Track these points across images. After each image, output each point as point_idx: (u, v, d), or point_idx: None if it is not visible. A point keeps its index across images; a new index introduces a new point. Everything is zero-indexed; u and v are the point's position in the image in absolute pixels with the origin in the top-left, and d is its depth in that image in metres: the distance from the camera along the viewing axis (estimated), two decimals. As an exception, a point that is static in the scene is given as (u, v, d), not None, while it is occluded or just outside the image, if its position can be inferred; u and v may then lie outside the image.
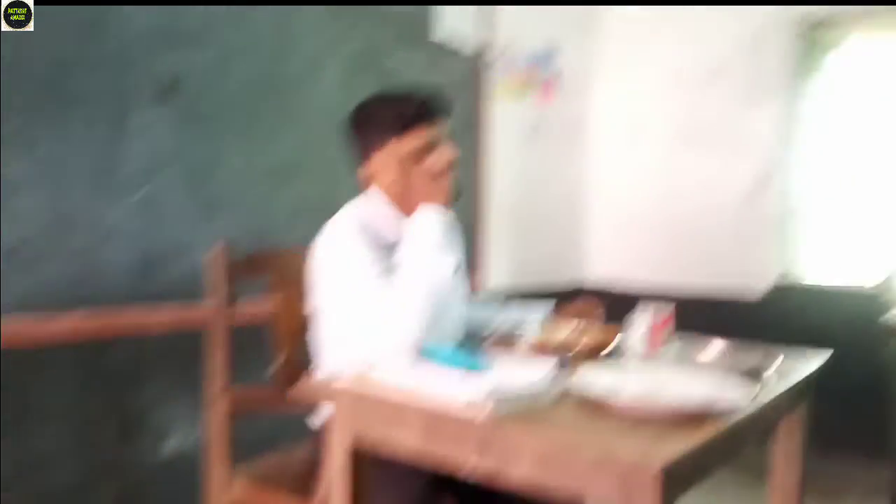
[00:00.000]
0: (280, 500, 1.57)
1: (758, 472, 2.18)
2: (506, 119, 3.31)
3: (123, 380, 1.97)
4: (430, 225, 1.47)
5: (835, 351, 2.90)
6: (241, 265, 1.69)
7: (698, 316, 3.47)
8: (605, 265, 4.00)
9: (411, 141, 1.53)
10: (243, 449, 1.74)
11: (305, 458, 1.69)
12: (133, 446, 2.00)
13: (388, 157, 1.55)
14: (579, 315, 1.75)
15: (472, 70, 3.11)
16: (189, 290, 2.02)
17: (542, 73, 3.53)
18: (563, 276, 3.80)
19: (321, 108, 2.40)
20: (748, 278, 3.60)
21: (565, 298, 1.82)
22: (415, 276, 1.41)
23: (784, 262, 3.63)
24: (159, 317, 2.00)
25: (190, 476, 1.92)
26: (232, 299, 1.66)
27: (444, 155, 1.54)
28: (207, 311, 1.69)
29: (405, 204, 1.56)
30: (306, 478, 1.56)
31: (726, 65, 3.62)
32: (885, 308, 2.74)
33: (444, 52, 2.94)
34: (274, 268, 1.77)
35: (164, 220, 2.01)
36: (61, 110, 1.80)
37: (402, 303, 1.39)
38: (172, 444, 2.07)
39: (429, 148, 1.54)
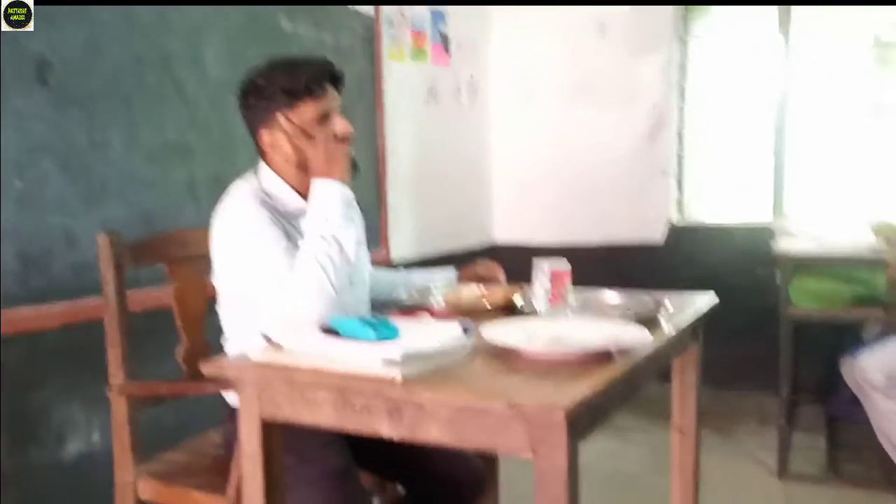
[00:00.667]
0: (190, 496, 1.52)
1: (657, 415, 2.31)
2: (402, 83, 3.28)
3: (17, 380, 1.86)
4: (328, 199, 1.44)
5: (729, 285, 3.09)
6: (130, 254, 1.62)
7: (603, 265, 3.62)
8: (511, 225, 4.07)
9: (302, 114, 1.50)
10: (164, 437, 1.69)
11: (220, 442, 1.66)
12: (32, 451, 1.90)
13: (279, 131, 1.51)
14: (481, 278, 1.78)
15: (370, 31, 3.06)
16: (81, 283, 1.92)
17: (434, 36, 3.52)
18: (469, 241, 3.84)
19: (206, 83, 2.30)
20: (648, 224, 3.76)
21: (468, 263, 1.85)
22: (316, 252, 1.39)
23: (679, 205, 3.81)
24: (48, 316, 1.90)
25: (99, 477, 1.84)
26: (123, 290, 1.60)
27: (338, 127, 1.51)
28: (99, 305, 1.62)
29: (301, 179, 1.53)
30: (220, 465, 1.53)
31: (613, 16, 3.73)
32: (773, 240, 2.91)
33: (341, 13, 2.88)
34: (167, 252, 1.71)
35: (44, 213, 1.90)
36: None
37: (304, 280, 1.37)
38: (76, 446, 1.98)
39: (321, 120, 1.51)
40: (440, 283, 1.75)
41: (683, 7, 3.70)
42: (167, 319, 1.71)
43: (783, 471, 2.71)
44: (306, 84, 1.49)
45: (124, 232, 1.65)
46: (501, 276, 1.79)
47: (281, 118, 1.50)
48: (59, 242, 1.93)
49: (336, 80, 1.55)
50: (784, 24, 3.47)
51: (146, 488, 1.59)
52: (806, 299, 2.67)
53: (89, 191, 2.00)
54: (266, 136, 1.54)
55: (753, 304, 3.28)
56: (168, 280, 1.71)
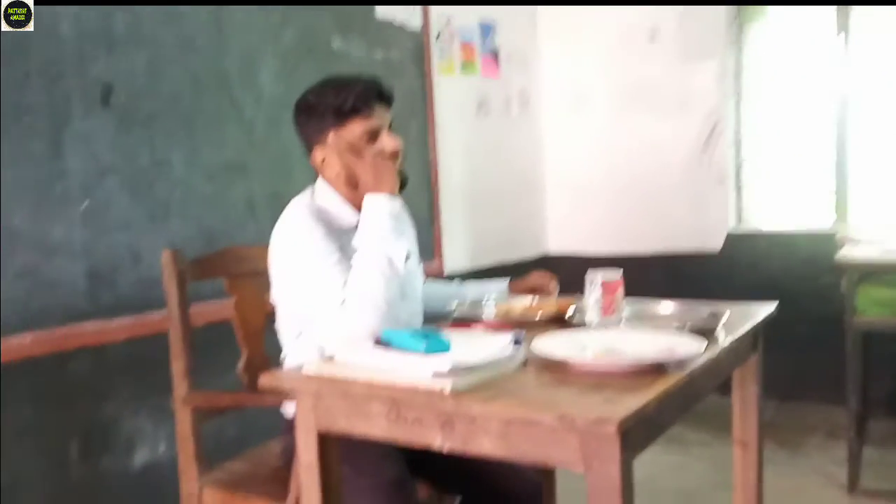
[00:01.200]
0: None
1: (720, 429, 2.24)
2: (452, 96, 3.31)
3: (86, 393, 1.95)
4: (377, 214, 1.47)
5: (792, 294, 3.00)
6: (192, 269, 1.68)
7: (660, 275, 3.57)
8: (565, 235, 4.04)
9: (350, 132, 1.53)
10: (226, 448, 1.74)
11: (279, 453, 1.69)
12: (102, 460, 1.98)
13: (330, 148, 1.55)
14: (534, 289, 1.78)
15: (419, 46, 3.10)
16: (146, 298, 2.00)
17: (483, 48, 3.54)
18: (522, 252, 3.83)
19: (262, 103, 2.38)
20: (706, 232, 3.69)
21: (522, 274, 1.85)
22: (367, 267, 1.42)
23: (737, 212, 3.73)
24: (115, 330, 1.98)
25: (166, 486, 1.90)
26: (186, 305, 1.65)
27: (386, 144, 1.54)
28: (163, 319, 1.67)
29: (353, 195, 1.56)
30: (281, 475, 1.56)
31: (665, 23, 3.68)
32: (837, 247, 2.82)
33: (390, 30, 2.93)
34: (227, 268, 1.76)
35: (111, 231, 1.98)
36: (-6, 127, 1.77)
37: (356, 294, 1.39)
38: (143, 456, 2.06)
39: (370, 137, 1.54)
40: (493, 295, 1.76)
41: (736, 9, 3.63)
42: (228, 333, 1.76)
43: (854, 486, 2.60)
44: (354, 103, 1.52)
45: (186, 248, 1.71)
46: (554, 286, 1.79)
47: (331, 136, 1.54)
48: (125, 259, 2.01)
49: (384, 97, 1.58)
50: (843, 25, 3.37)
51: (210, 497, 1.63)
52: (873, 308, 2.57)
53: (153, 209, 2.08)
54: (318, 154, 1.57)
55: (817, 313, 3.17)
56: (228, 295, 1.76)
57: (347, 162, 1.54)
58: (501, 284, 1.83)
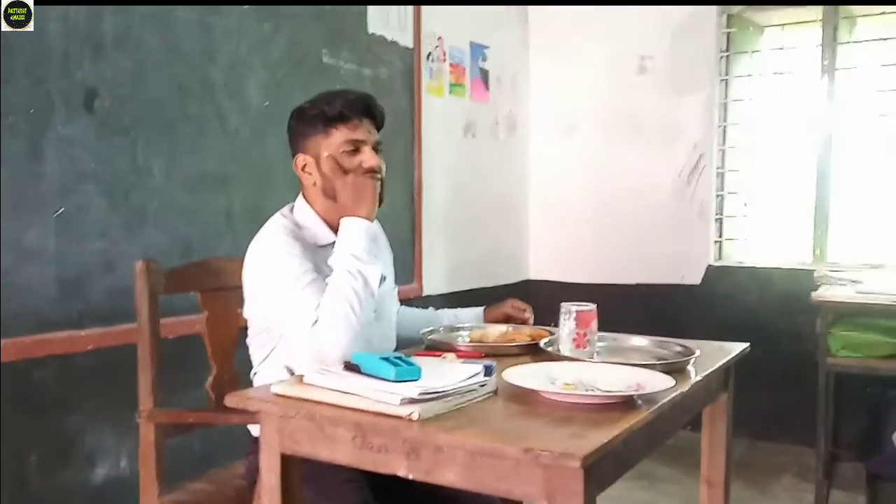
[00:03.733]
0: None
1: (692, 466, 2.22)
2: (440, 117, 3.32)
3: (49, 403, 1.90)
4: (354, 235, 1.46)
5: (768, 331, 2.98)
6: (165, 281, 1.65)
7: (639, 305, 3.57)
8: (546, 263, 4.04)
9: (334, 139, 1.52)
10: (191, 465, 1.71)
11: (244, 473, 1.66)
12: (59, 475, 1.92)
13: (312, 156, 1.54)
14: (509, 317, 1.77)
15: (409, 65, 3.11)
16: (118, 308, 1.97)
17: (473, 71, 3.56)
18: (503, 277, 3.82)
19: (247, 114, 2.36)
20: (686, 265, 3.71)
21: (501, 299, 1.84)
22: (342, 288, 1.40)
23: (718, 246, 3.75)
24: (83, 340, 1.94)
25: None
26: (157, 318, 1.62)
27: (367, 159, 1.53)
28: (132, 331, 1.64)
29: (329, 208, 1.55)
30: (244, 497, 1.53)
31: (655, 54, 3.73)
32: (814, 285, 2.85)
33: (381, 46, 2.93)
34: (201, 281, 1.74)
35: (85, 238, 1.95)
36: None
37: (330, 313, 1.38)
38: (103, 471, 2.01)
39: (352, 149, 1.52)
40: (467, 322, 1.75)
41: (726, 38, 3.67)
42: (199, 346, 1.73)
43: (821, 528, 2.61)
44: (341, 109, 1.52)
45: (162, 259, 1.68)
46: (529, 315, 1.78)
47: (315, 143, 1.53)
48: (98, 267, 1.98)
49: (373, 114, 1.57)
50: (829, 66, 3.43)
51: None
52: (846, 349, 2.59)
53: (129, 217, 2.05)
54: (300, 160, 1.57)
55: (793, 351, 3.19)
56: (201, 309, 1.73)
57: (328, 173, 1.53)
58: (476, 311, 1.82)
